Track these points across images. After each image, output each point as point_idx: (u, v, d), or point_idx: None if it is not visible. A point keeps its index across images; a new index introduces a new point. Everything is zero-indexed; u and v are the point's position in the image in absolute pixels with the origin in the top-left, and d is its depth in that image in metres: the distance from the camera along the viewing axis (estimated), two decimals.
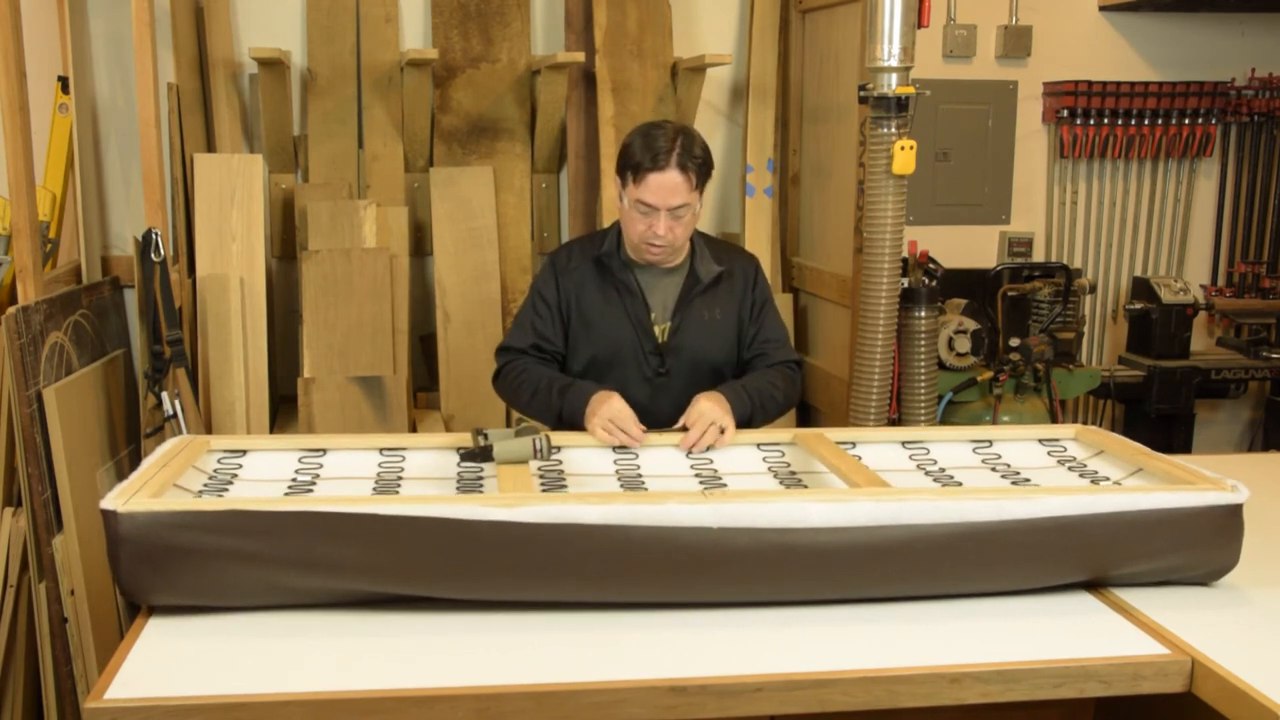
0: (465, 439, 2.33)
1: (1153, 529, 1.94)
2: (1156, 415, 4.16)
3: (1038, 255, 4.40)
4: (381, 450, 2.32)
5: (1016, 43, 4.26)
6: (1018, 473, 2.32)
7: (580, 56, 3.71)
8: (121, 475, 3.07)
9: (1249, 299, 4.48)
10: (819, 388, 3.96)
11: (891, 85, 3.17)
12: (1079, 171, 4.43)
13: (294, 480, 2.17)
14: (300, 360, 3.37)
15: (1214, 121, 4.42)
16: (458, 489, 2.16)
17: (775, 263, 4.00)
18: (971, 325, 3.72)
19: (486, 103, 3.85)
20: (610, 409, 2.38)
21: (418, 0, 3.85)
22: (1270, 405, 4.52)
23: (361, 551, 1.80)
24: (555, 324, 2.61)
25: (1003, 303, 3.93)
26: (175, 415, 3.08)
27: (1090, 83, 4.28)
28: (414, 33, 3.87)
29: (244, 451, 2.27)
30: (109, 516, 1.78)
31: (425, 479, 2.20)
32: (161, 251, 3.13)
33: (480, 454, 2.22)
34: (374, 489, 2.14)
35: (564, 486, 2.17)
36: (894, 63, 3.17)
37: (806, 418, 4.05)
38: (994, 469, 2.35)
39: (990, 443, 2.47)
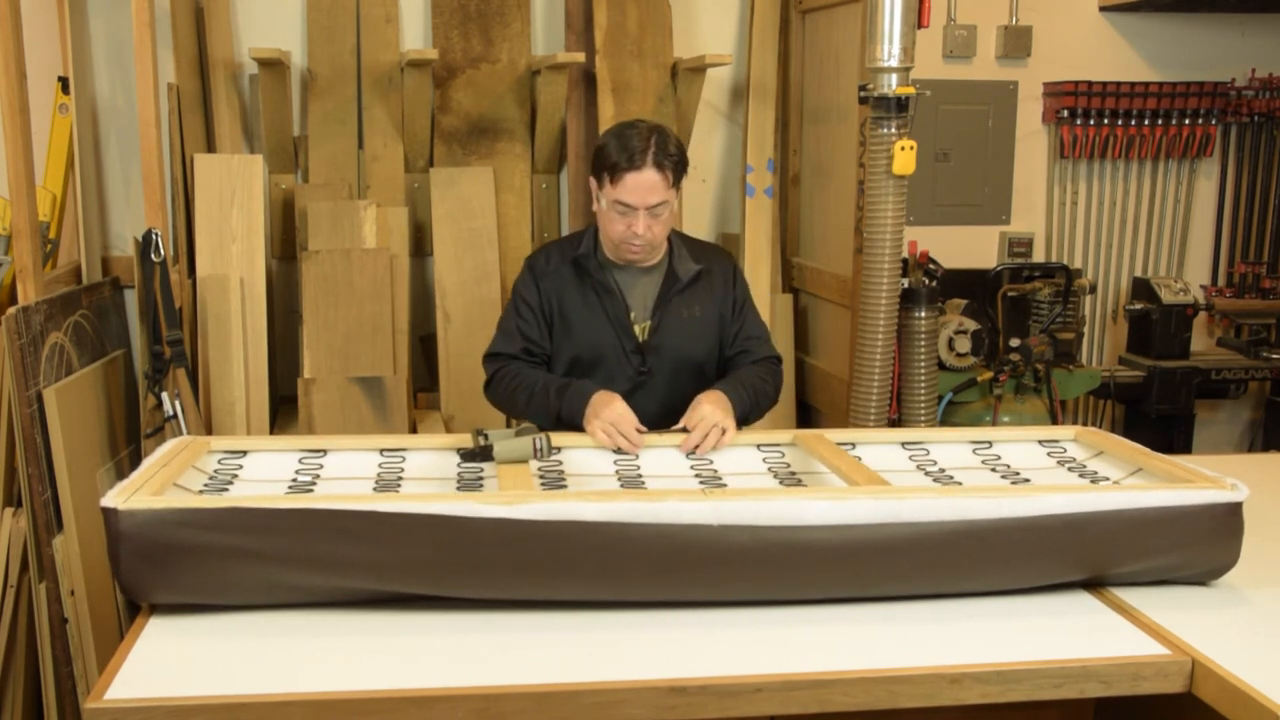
0: (465, 439, 2.33)
1: (1152, 527, 1.94)
2: (1156, 416, 4.16)
3: (1038, 255, 4.40)
4: (382, 451, 2.32)
5: (1016, 43, 4.26)
6: (1017, 473, 2.32)
7: (580, 57, 3.71)
8: (122, 475, 3.06)
9: (1249, 299, 4.48)
10: (819, 388, 3.96)
11: (891, 85, 3.18)
12: (1079, 172, 4.43)
13: (294, 481, 2.17)
14: (300, 360, 3.37)
15: (1214, 122, 4.42)
16: (458, 489, 2.16)
17: (775, 263, 4.00)
18: (972, 325, 3.72)
19: (487, 103, 3.85)
20: (612, 412, 2.38)
21: (418, 0, 3.85)
22: (1270, 405, 4.52)
23: (362, 549, 1.80)
24: (540, 326, 2.62)
25: (1003, 303, 3.93)
26: (175, 416, 3.08)
27: (1090, 83, 4.28)
28: (414, 33, 3.87)
29: (244, 452, 2.27)
30: (109, 514, 1.78)
31: (425, 479, 2.20)
32: (161, 252, 3.13)
33: (480, 454, 2.22)
34: (374, 489, 2.14)
35: (564, 486, 2.17)
36: (894, 63, 3.17)
37: (806, 418, 4.05)
38: (993, 469, 2.35)
39: (990, 444, 2.47)
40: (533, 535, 1.81)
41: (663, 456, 2.36)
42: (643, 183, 2.43)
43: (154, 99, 3.20)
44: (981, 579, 1.96)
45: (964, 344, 3.71)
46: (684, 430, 2.39)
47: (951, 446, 2.46)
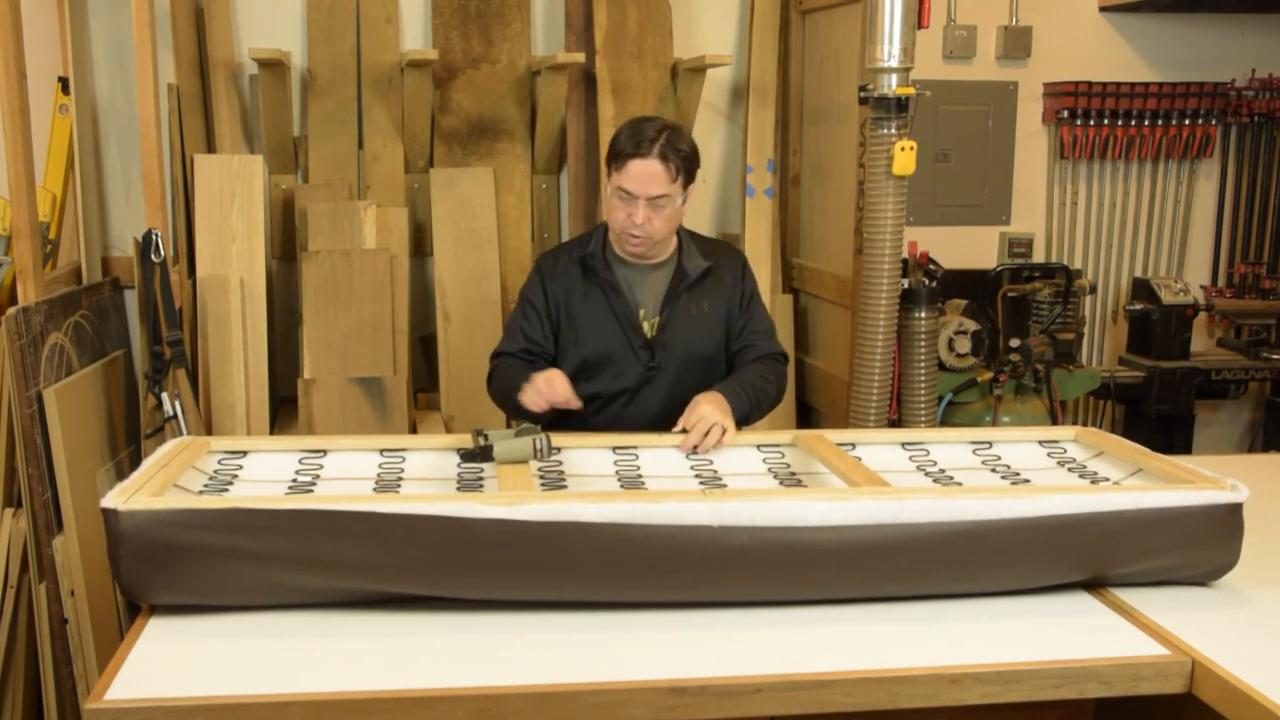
0: (465, 440, 2.33)
1: (1152, 527, 1.94)
2: (1157, 416, 4.16)
3: (1038, 256, 4.40)
4: (382, 451, 2.32)
5: (1016, 43, 4.26)
6: (1017, 474, 2.32)
7: (580, 57, 3.71)
8: (122, 476, 3.06)
9: (1249, 300, 4.48)
10: (819, 388, 3.96)
11: (892, 86, 3.18)
12: (1079, 172, 4.43)
13: (294, 481, 2.17)
14: (300, 361, 3.37)
15: (1214, 122, 4.42)
16: (458, 489, 2.16)
17: (775, 263, 4.00)
18: (972, 326, 3.72)
19: (487, 103, 3.85)
20: (540, 378, 2.43)
21: (418, 1, 3.85)
22: (1270, 406, 4.52)
23: (362, 550, 1.80)
24: (544, 327, 2.63)
25: (1003, 303, 3.93)
26: (175, 416, 3.08)
27: (1090, 83, 4.28)
28: (414, 33, 3.87)
29: (244, 453, 2.27)
30: (109, 515, 1.78)
31: (425, 479, 2.20)
32: (161, 252, 3.13)
33: (480, 454, 2.22)
34: (374, 490, 2.14)
35: (564, 487, 2.17)
36: (894, 63, 3.17)
37: (806, 418, 4.05)
38: (993, 470, 2.35)
39: (990, 444, 2.47)
40: (533, 536, 1.81)
41: (663, 457, 2.36)
42: (645, 171, 2.45)
43: (154, 99, 3.20)
44: (982, 580, 1.96)
45: (964, 344, 3.71)
46: (684, 431, 2.39)
47: (951, 447, 2.46)
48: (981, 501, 1.90)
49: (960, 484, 2.25)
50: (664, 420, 2.50)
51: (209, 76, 3.67)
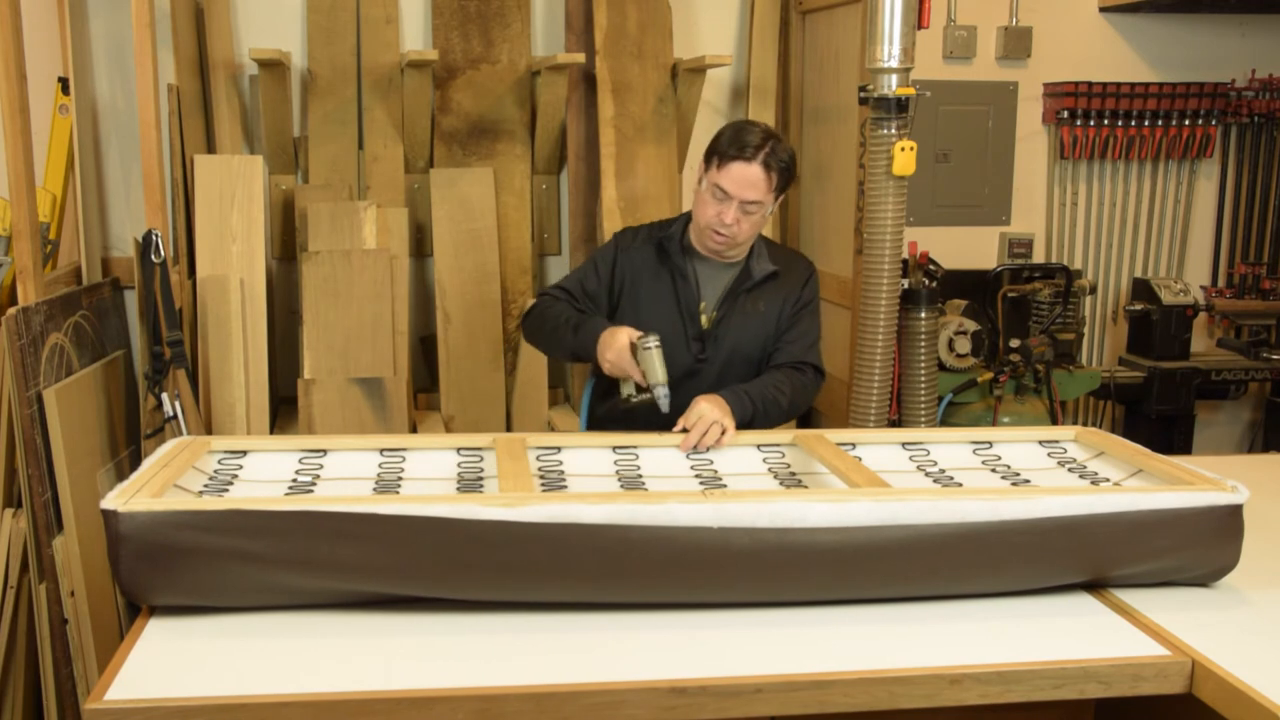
0: (466, 439, 2.34)
1: (1153, 529, 1.94)
2: (1157, 416, 4.16)
3: (1038, 256, 4.40)
4: (382, 451, 2.32)
5: (1017, 44, 4.26)
6: (1018, 474, 2.32)
7: (580, 57, 3.71)
8: (122, 476, 3.06)
9: (1249, 300, 4.48)
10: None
11: (892, 86, 3.18)
12: (1079, 172, 4.43)
13: (294, 481, 2.17)
14: (300, 361, 3.37)
15: (1214, 122, 4.42)
16: (458, 489, 2.16)
17: None
18: (972, 326, 3.72)
19: (486, 104, 3.85)
20: (614, 350, 2.45)
21: (418, 1, 3.85)
22: (1270, 406, 4.52)
23: (362, 551, 1.80)
24: (601, 289, 2.69)
25: (1003, 304, 3.93)
26: (175, 416, 3.08)
27: (1090, 84, 4.28)
28: (414, 34, 3.87)
29: (244, 452, 2.27)
30: (109, 516, 1.78)
31: (426, 479, 2.20)
32: (162, 253, 3.13)
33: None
34: (374, 490, 2.14)
35: (564, 487, 2.17)
36: (894, 64, 3.17)
37: (807, 418, 4.05)
38: (994, 470, 2.35)
39: (990, 444, 2.47)
40: (533, 537, 1.81)
41: (663, 456, 2.36)
42: (747, 176, 2.49)
43: (154, 100, 3.20)
44: (982, 581, 1.96)
45: (964, 345, 3.72)
46: (684, 431, 2.39)
47: (952, 447, 2.46)
48: (982, 503, 1.90)
49: (960, 484, 2.25)
50: None
51: (209, 77, 3.67)
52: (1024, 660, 1.76)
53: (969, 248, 4.31)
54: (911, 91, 3.17)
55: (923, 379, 3.49)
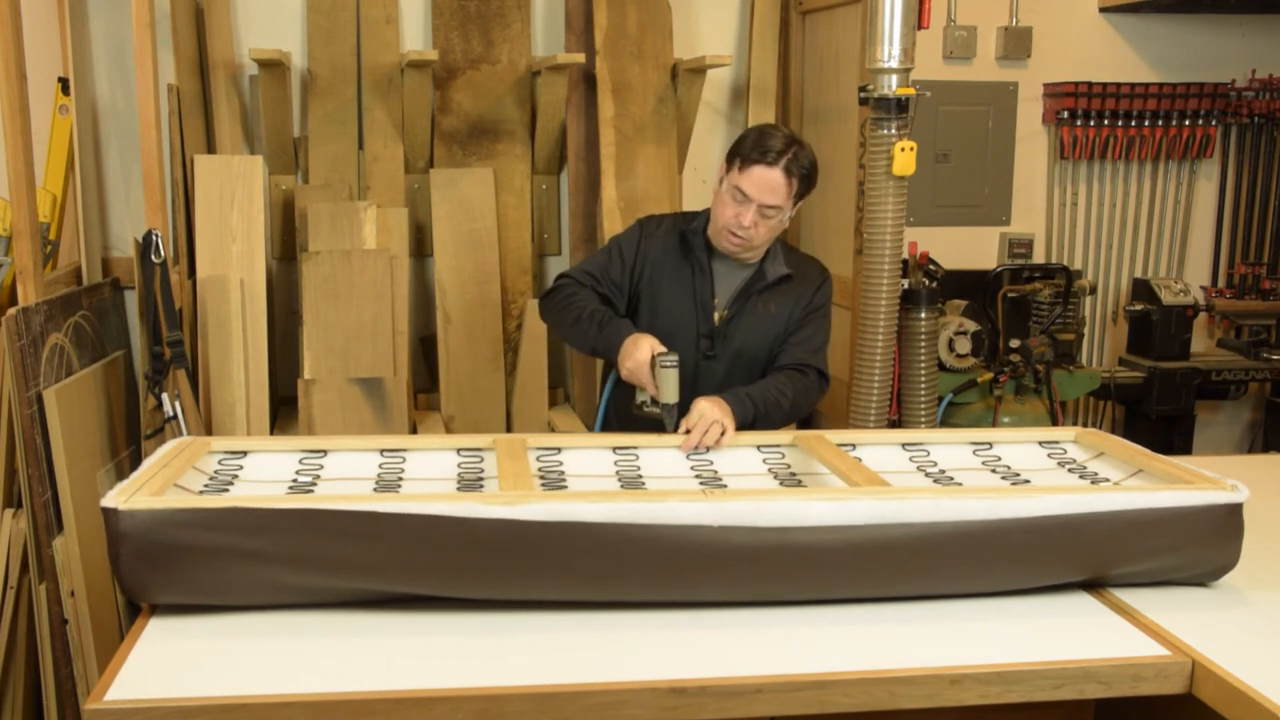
0: (466, 440, 2.34)
1: (1152, 528, 1.94)
2: (1157, 417, 4.16)
3: (1038, 256, 4.40)
4: (382, 451, 2.32)
5: (1017, 44, 4.26)
6: (1018, 474, 2.32)
7: (580, 58, 3.71)
8: (122, 476, 3.04)
9: (1249, 300, 4.48)
10: None
11: (892, 86, 3.18)
12: (1079, 173, 4.43)
13: (294, 481, 2.17)
14: (300, 361, 3.37)
15: (1214, 123, 4.42)
16: (459, 489, 2.16)
17: None
18: (972, 326, 3.72)
19: (487, 104, 3.85)
20: (634, 361, 2.44)
21: (418, 1, 3.85)
22: (1270, 406, 4.52)
23: (362, 549, 1.80)
24: (624, 276, 2.69)
25: (1003, 304, 3.93)
26: (175, 417, 3.08)
27: (1090, 84, 4.28)
28: (414, 34, 3.87)
29: (245, 453, 2.27)
30: (110, 515, 1.78)
31: (426, 480, 2.20)
32: (162, 253, 3.13)
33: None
34: (374, 490, 2.14)
35: (564, 486, 2.17)
36: (894, 64, 3.17)
37: (807, 419, 4.04)
38: (994, 470, 2.35)
39: (990, 445, 2.47)
40: (533, 536, 1.81)
41: (663, 457, 2.36)
42: (768, 180, 2.50)
43: (154, 100, 3.20)
44: (982, 580, 1.96)
45: (964, 345, 3.71)
46: (686, 433, 2.39)
47: (952, 447, 2.46)
48: (981, 502, 1.90)
49: (960, 485, 2.25)
50: None
51: (209, 77, 3.67)
52: (1024, 660, 1.76)
53: (969, 248, 4.31)
54: (911, 92, 3.17)
55: (923, 379, 3.49)
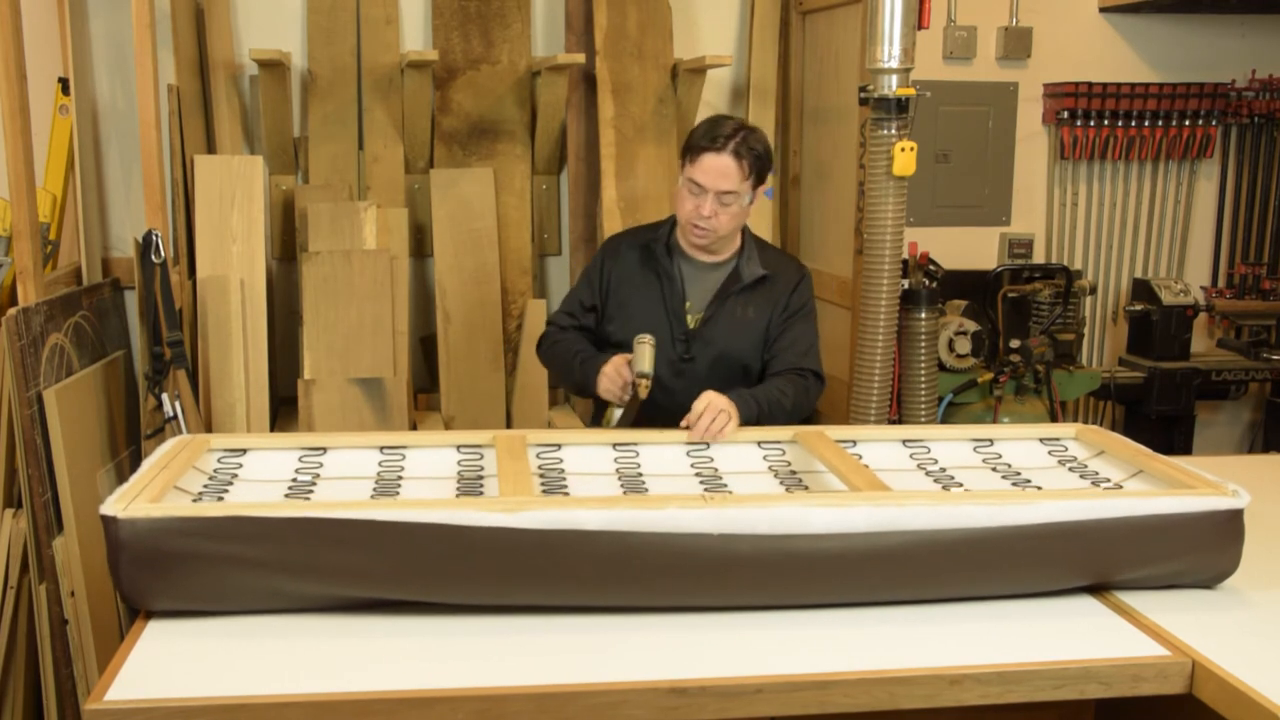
0: (466, 437, 2.34)
1: (1153, 534, 1.94)
2: (1157, 417, 4.16)
3: (1038, 256, 4.40)
4: (382, 449, 2.32)
5: (1017, 44, 4.26)
6: (1018, 473, 2.32)
7: (580, 58, 3.71)
8: (122, 477, 3.07)
9: (1249, 300, 4.48)
10: None
11: (892, 87, 3.18)
12: (1079, 173, 4.43)
13: (294, 480, 2.17)
14: (300, 362, 3.36)
15: (1214, 123, 4.42)
16: (458, 489, 2.16)
17: None
18: (972, 326, 3.72)
19: (487, 104, 3.85)
20: (606, 376, 2.51)
21: (418, 2, 3.85)
22: (1270, 407, 4.52)
23: (362, 557, 1.80)
24: (595, 299, 2.75)
25: (1003, 304, 3.93)
26: (175, 417, 3.08)
27: (1090, 84, 4.28)
28: (414, 34, 3.87)
29: (244, 450, 2.27)
30: (109, 522, 1.78)
31: (426, 479, 2.20)
32: (162, 253, 3.13)
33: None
34: (374, 489, 2.14)
35: (564, 485, 2.17)
36: (894, 64, 3.17)
37: (806, 419, 4.04)
38: (994, 469, 2.35)
39: (991, 441, 2.47)
40: (532, 544, 1.81)
41: (663, 454, 2.36)
42: (718, 166, 2.51)
43: (154, 100, 3.20)
44: (982, 586, 1.96)
45: (964, 345, 3.71)
46: (688, 428, 2.40)
47: (952, 444, 2.45)
48: (982, 508, 1.90)
49: (961, 484, 2.25)
50: None
51: (209, 77, 3.67)
52: (1024, 660, 1.76)
53: (969, 248, 4.31)
54: (912, 92, 3.17)
55: (923, 379, 3.48)
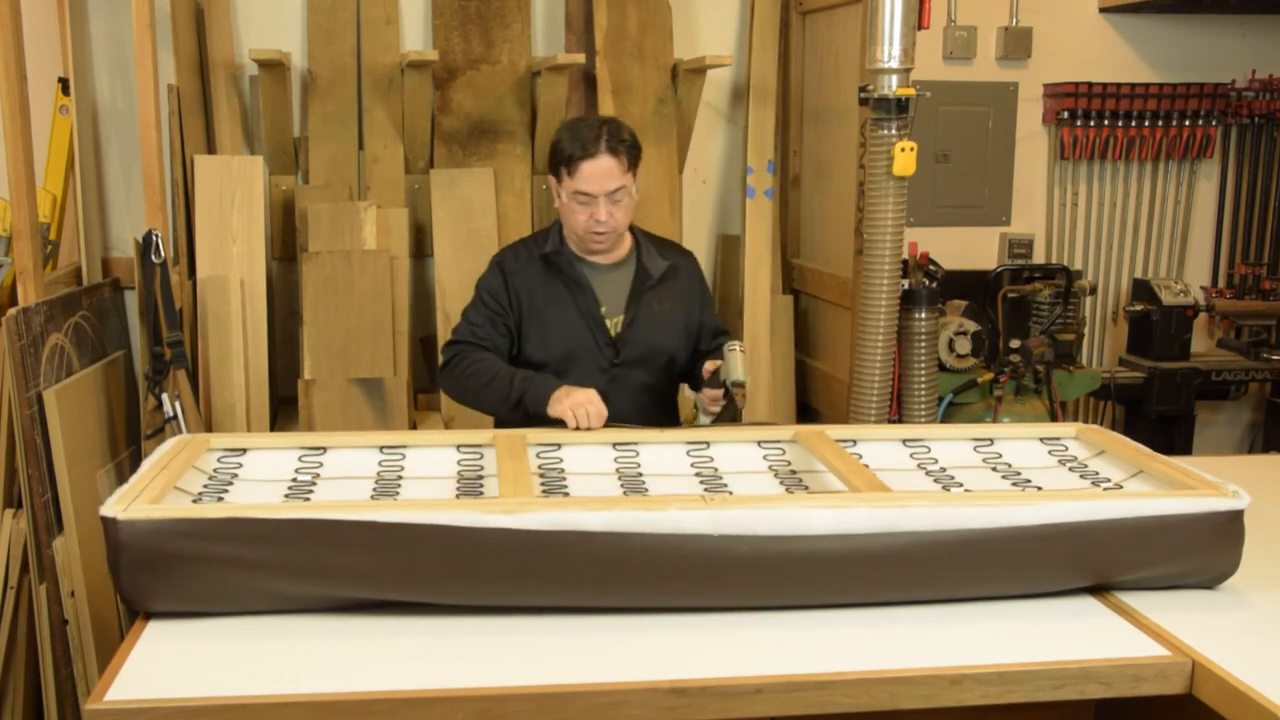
0: (466, 436, 2.34)
1: (1153, 536, 1.94)
2: (1157, 417, 4.16)
3: (1038, 257, 4.40)
4: (382, 449, 2.32)
5: (1017, 44, 4.26)
6: (1019, 473, 2.32)
7: (580, 58, 3.71)
8: (122, 477, 3.07)
9: (1249, 300, 4.48)
10: (819, 389, 3.96)
11: (892, 87, 3.18)
12: (1079, 173, 4.43)
13: (294, 480, 2.17)
14: (300, 362, 3.37)
15: (1214, 123, 4.42)
16: (458, 489, 2.16)
17: (775, 264, 4.00)
18: (972, 327, 3.72)
19: (487, 104, 3.85)
20: (584, 394, 2.44)
21: (418, 2, 3.85)
22: (1270, 407, 4.52)
23: (361, 559, 1.80)
24: (503, 324, 2.66)
25: (1003, 304, 3.93)
26: (175, 417, 3.08)
27: (1091, 84, 4.28)
28: (414, 34, 3.87)
29: (244, 450, 2.27)
30: (109, 524, 1.78)
31: (426, 478, 2.20)
32: (162, 253, 3.13)
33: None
34: (374, 488, 2.14)
35: (564, 485, 2.17)
36: (894, 64, 3.17)
37: (807, 419, 4.05)
38: (995, 468, 2.35)
39: (991, 441, 2.47)
40: (533, 544, 1.81)
41: (663, 454, 2.36)
42: (600, 170, 2.50)
43: (154, 100, 3.20)
44: (982, 587, 1.96)
45: (964, 345, 3.71)
46: (687, 427, 2.42)
47: (952, 444, 2.45)
48: (982, 509, 1.90)
49: (961, 484, 2.25)
50: (630, 417, 2.54)
51: (209, 77, 3.67)
52: (1024, 661, 1.76)
53: (969, 248, 4.30)
54: (912, 92, 3.17)
55: (923, 379, 3.48)
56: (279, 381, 3.70)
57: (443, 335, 3.72)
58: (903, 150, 3.15)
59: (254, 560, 1.79)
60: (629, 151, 2.55)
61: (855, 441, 2.42)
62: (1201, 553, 1.99)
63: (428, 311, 3.85)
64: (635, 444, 2.38)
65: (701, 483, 2.23)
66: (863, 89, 3.24)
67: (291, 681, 1.65)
